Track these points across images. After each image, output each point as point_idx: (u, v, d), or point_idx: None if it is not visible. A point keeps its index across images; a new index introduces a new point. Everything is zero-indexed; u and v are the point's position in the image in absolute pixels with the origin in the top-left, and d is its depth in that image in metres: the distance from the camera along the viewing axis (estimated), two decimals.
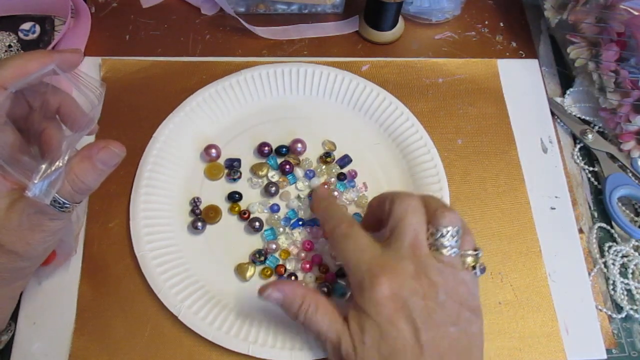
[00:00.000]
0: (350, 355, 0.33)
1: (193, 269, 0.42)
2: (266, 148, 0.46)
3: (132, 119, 0.47)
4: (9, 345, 0.39)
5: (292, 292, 0.35)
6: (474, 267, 0.35)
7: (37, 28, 0.51)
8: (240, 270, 0.42)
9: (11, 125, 0.32)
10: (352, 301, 0.35)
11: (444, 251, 0.34)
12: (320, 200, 0.42)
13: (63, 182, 0.30)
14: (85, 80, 0.33)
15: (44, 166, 0.29)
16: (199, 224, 0.43)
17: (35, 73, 0.31)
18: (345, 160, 0.46)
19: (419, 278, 0.33)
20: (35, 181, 0.29)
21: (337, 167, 0.46)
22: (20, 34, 0.50)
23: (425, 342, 0.32)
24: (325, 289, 0.41)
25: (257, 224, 0.43)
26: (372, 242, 0.35)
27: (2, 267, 0.32)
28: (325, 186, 0.45)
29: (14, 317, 0.40)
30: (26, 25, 0.51)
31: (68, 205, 0.31)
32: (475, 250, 0.35)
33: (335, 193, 0.44)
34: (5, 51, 0.49)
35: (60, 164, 0.30)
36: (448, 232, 0.34)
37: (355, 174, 0.46)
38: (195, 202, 0.44)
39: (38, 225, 0.31)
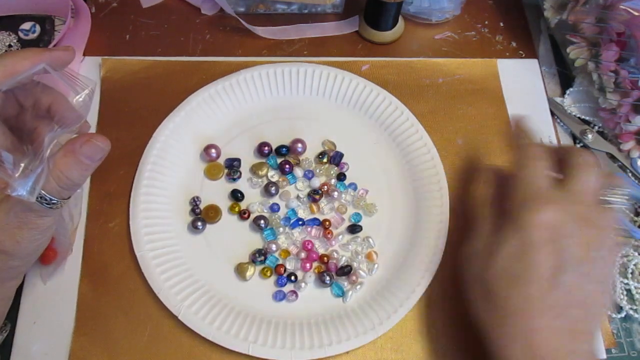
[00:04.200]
0: (481, 255, 0.34)
1: (193, 269, 0.42)
2: (266, 148, 0.46)
3: (132, 119, 0.47)
4: (9, 345, 0.39)
5: None
6: None
7: (37, 28, 0.51)
8: (240, 270, 0.42)
9: (1, 124, 0.32)
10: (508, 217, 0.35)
11: (612, 207, 0.35)
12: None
13: (48, 179, 0.30)
14: (75, 77, 0.32)
15: (23, 163, 0.29)
16: (199, 223, 0.43)
17: (25, 72, 0.31)
18: (337, 156, 0.46)
19: (581, 224, 0.33)
20: (16, 177, 0.28)
21: (336, 167, 0.46)
22: (21, 34, 0.50)
23: (562, 282, 0.32)
24: (327, 280, 0.41)
25: (262, 222, 0.43)
26: (550, 176, 0.35)
27: None
28: (325, 187, 0.45)
29: (14, 316, 0.40)
30: (26, 25, 0.51)
31: (55, 202, 0.31)
32: None
33: (335, 193, 0.45)
34: (5, 51, 0.49)
35: (42, 159, 0.29)
36: (620, 191, 0.35)
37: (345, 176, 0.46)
38: (195, 202, 0.44)
39: (26, 223, 0.31)
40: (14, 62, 0.30)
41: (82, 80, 0.33)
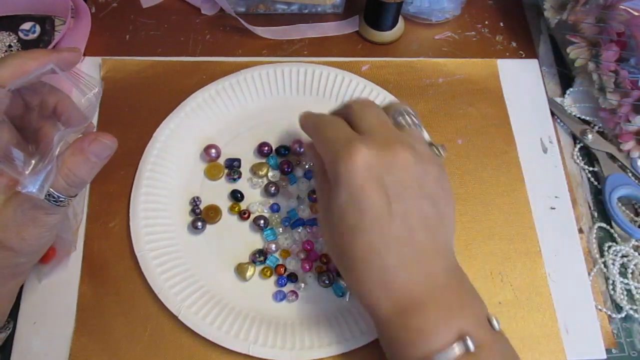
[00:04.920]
0: (322, 222, 0.35)
1: (193, 269, 0.42)
2: (266, 148, 0.46)
3: (132, 119, 0.47)
4: (9, 344, 0.39)
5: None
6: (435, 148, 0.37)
7: (37, 28, 0.51)
8: (240, 270, 0.42)
9: (8, 123, 0.33)
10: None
11: (410, 127, 0.36)
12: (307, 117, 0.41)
13: (56, 177, 0.30)
14: (83, 78, 0.33)
15: (34, 161, 0.30)
16: (199, 223, 0.43)
17: (34, 72, 0.31)
18: None
19: (391, 151, 0.33)
20: (27, 174, 0.29)
21: None
22: (21, 34, 0.50)
23: (396, 212, 0.32)
24: (327, 281, 0.41)
25: (261, 221, 0.43)
26: (347, 128, 0.36)
27: (0, 263, 0.32)
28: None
29: (14, 315, 0.40)
30: (26, 25, 0.51)
31: (63, 200, 0.31)
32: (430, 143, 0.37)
33: None
34: (6, 51, 0.49)
35: (51, 158, 0.30)
36: (407, 111, 0.37)
37: None
38: (195, 202, 0.44)
39: (34, 220, 0.32)
40: (22, 62, 0.31)
41: (89, 80, 0.33)
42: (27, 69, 0.31)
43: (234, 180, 0.45)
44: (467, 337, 0.30)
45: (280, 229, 0.44)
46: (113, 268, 0.42)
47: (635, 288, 0.44)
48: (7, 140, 0.32)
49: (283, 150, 0.46)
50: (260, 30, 0.52)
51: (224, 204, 0.44)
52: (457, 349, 0.30)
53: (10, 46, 0.50)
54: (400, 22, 0.54)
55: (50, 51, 0.32)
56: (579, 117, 0.51)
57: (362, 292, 0.33)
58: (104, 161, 0.33)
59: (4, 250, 0.32)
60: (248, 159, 0.46)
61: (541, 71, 0.53)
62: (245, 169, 0.46)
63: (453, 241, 0.35)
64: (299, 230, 0.44)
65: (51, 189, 0.31)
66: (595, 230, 0.46)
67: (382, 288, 0.32)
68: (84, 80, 0.33)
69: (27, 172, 0.29)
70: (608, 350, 0.42)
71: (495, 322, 0.32)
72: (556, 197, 0.47)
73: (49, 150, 0.30)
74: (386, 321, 0.32)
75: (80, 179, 0.32)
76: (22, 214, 0.31)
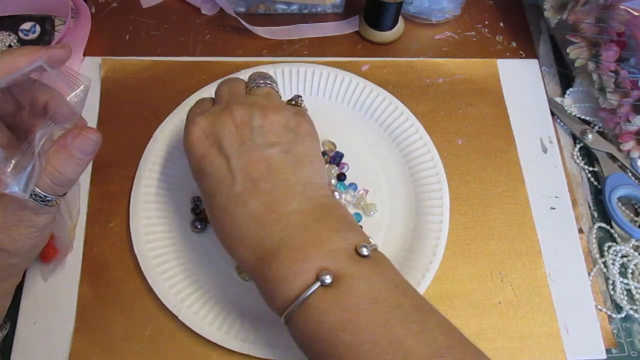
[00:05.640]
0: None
1: (193, 269, 0.42)
2: None
3: (132, 119, 0.47)
4: (9, 344, 0.39)
5: None
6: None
7: (37, 28, 0.51)
8: (240, 270, 0.42)
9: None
10: None
11: (259, 87, 0.37)
12: None
13: (41, 176, 0.30)
14: (71, 75, 0.32)
15: (14, 160, 0.29)
16: (199, 223, 0.43)
17: (23, 69, 0.30)
18: (337, 156, 0.46)
19: (230, 110, 0.34)
20: (8, 173, 0.28)
21: (336, 168, 0.46)
22: (21, 34, 0.50)
23: (236, 168, 0.32)
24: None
25: None
26: (209, 106, 0.37)
27: None
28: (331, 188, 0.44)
29: (14, 316, 0.40)
30: (26, 25, 0.51)
31: (50, 199, 0.31)
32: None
33: (336, 193, 0.45)
34: None
35: (33, 155, 0.29)
36: (263, 76, 0.37)
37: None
38: (195, 202, 0.44)
39: (23, 221, 0.31)
40: (11, 59, 0.30)
41: (78, 77, 0.32)
42: (16, 66, 0.30)
43: None
44: (323, 272, 0.29)
45: None
46: (113, 268, 0.42)
47: (635, 288, 0.44)
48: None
49: None
50: (260, 30, 0.52)
51: None
52: (314, 287, 0.28)
53: (10, 46, 0.50)
54: (400, 22, 0.54)
55: (39, 48, 0.31)
56: (579, 117, 0.51)
57: (229, 252, 0.33)
58: (89, 157, 0.32)
59: None
60: None
61: (541, 71, 0.53)
62: None
63: (323, 176, 0.35)
64: None
65: (36, 189, 0.30)
66: (595, 230, 0.46)
67: (240, 244, 0.32)
68: (73, 77, 0.32)
69: (8, 171, 0.28)
70: (608, 350, 0.42)
71: (364, 249, 0.30)
72: (556, 197, 0.47)
73: (31, 148, 0.29)
74: (253, 276, 0.32)
75: (66, 177, 0.31)
76: (10, 214, 0.30)
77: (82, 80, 0.32)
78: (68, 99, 0.32)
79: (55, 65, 0.32)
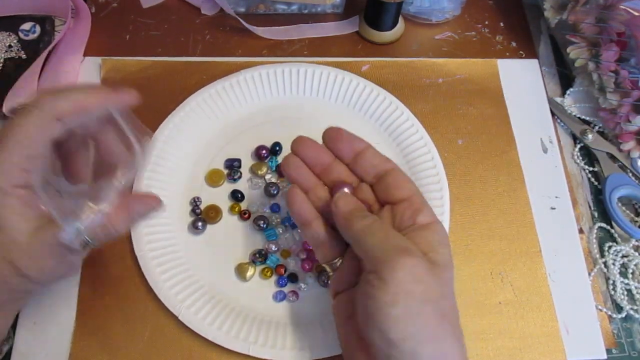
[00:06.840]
0: None
1: (193, 269, 0.42)
2: (264, 151, 0.46)
3: None
4: (9, 344, 0.39)
5: None
6: None
7: (37, 28, 0.51)
8: (240, 270, 0.42)
9: (53, 154, 0.32)
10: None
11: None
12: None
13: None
14: (135, 125, 0.33)
15: (83, 215, 0.30)
16: (199, 223, 0.43)
17: (92, 112, 0.31)
18: None
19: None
20: (71, 221, 0.29)
21: None
22: (21, 34, 0.50)
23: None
24: (327, 280, 0.41)
25: (261, 222, 0.43)
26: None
27: (13, 287, 0.32)
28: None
29: (14, 317, 0.39)
30: (26, 26, 0.51)
31: (92, 244, 0.31)
32: None
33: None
34: (6, 51, 0.49)
35: (102, 212, 0.30)
36: None
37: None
38: (195, 202, 0.44)
39: (56, 256, 0.31)
40: (83, 98, 0.31)
41: (143, 126, 0.34)
42: (86, 105, 0.31)
43: (235, 180, 0.45)
44: None
45: (281, 229, 0.44)
46: (113, 268, 0.42)
47: (636, 288, 0.44)
48: (49, 170, 0.32)
49: (277, 148, 0.46)
50: (260, 30, 0.52)
51: (225, 204, 0.44)
52: None
53: (10, 46, 0.50)
54: (400, 22, 0.54)
55: (109, 91, 0.32)
56: (579, 117, 0.51)
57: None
58: (145, 218, 0.34)
59: (21, 277, 0.31)
60: (248, 160, 0.46)
61: (541, 71, 0.53)
62: (245, 169, 0.46)
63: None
64: (300, 230, 0.44)
65: (87, 237, 0.30)
66: (595, 230, 0.46)
67: None
68: (140, 125, 0.33)
69: (76, 222, 0.29)
70: (608, 350, 0.42)
71: None
72: (556, 197, 0.47)
73: (101, 203, 0.30)
74: None
75: (118, 232, 0.32)
76: (48, 248, 0.30)
77: (145, 129, 0.33)
78: (136, 148, 0.33)
79: (121, 110, 0.33)
